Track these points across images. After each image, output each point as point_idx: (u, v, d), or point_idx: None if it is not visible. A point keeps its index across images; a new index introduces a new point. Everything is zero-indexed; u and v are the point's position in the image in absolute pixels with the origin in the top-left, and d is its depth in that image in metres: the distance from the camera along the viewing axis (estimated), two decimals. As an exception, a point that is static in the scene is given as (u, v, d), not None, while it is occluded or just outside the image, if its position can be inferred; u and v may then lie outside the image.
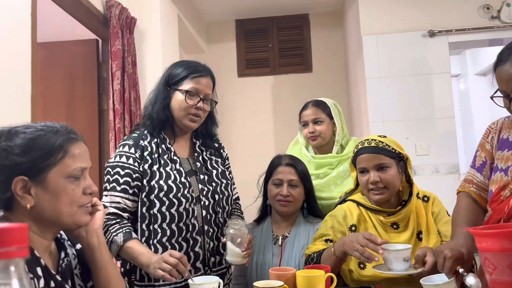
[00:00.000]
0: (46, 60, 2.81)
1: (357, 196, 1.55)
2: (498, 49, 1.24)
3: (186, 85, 1.48)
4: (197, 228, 1.44)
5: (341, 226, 1.50)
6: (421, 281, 1.14)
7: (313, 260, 1.44)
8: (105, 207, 1.30)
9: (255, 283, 1.21)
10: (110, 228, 1.35)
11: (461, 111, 4.56)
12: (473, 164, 1.37)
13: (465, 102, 4.58)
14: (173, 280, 1.22)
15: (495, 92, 1.20)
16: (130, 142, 1.46)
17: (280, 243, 1.62)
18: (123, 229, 1.34)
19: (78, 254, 1.07)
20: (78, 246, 1.07)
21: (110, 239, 1.33)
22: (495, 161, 1.27)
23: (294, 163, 1.69)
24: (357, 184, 1.57)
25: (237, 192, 1.70)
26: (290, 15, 4.25)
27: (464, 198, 1.37)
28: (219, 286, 1.22)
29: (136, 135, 1.50)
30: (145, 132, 1.50)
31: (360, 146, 1.50)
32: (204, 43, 4.28)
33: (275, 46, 4.30)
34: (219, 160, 1.63)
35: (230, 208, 1.59)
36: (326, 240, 1.49)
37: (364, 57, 3.18)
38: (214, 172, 1.56)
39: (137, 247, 1.31)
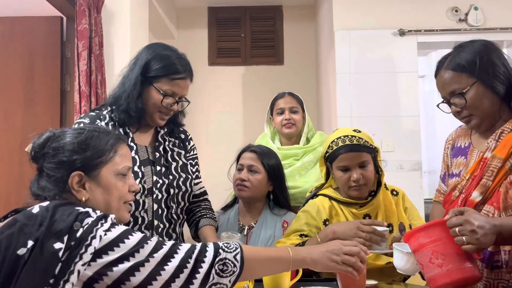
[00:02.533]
0: (3, 35, 2.66)
1: (328, 191, 1.56)
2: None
3: (164, 85, 1.39)
4: (146, 222, 1.38)
5: (315, 221, 1.50)
6: (394, 245, 1.20)
7: None
8: None
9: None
10: None
11: (425, 112, 4.69)
12: (440, 176, 1.44)
13: (429, 102, 4.71)
14: None
15: (442, 101, 1.27)
16: (86, 120, 1.38)
17: (245, 232, 1.62)
18: None
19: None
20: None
21: None
22: (450, 169, 1.34)
23: (259, 150, 1.69)
24: (326, 179, 1.57)
25: (202, 187, 1.62)
26: (264, 6, 4.22)
27: (436, 206, 1.45)
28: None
29: (94, 114, 1.41)
30: (104, 112, 1.42)
31: (340, 144, 1.46)
32: (174, 29, 4.18)
33: (247, 36, 4.25)
34: (182, 152, 1.54)
35: (187, 205, 1.51)
36: (301, 235, 1.49)
37: (336, 52, 3.19)
38: (174, 164, 1.48)
39: None
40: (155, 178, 1.41)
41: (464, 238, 0.97)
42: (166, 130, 1.52)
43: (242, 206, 1.69)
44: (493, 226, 0.99)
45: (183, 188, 1.47)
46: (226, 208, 1.75)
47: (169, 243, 0.94)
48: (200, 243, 0.97)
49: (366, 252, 1.08)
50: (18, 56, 2.65)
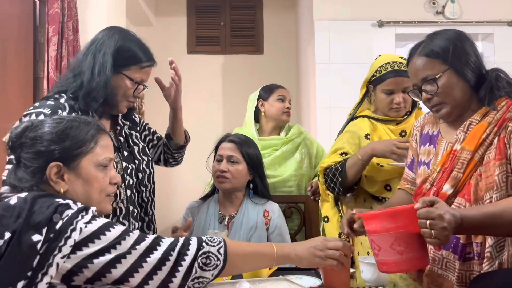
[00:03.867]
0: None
1: (366, 112, 1.75)
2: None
3: (134, 73, 1.36)
4: (123, 212, 1.36)
5: (356, 139, 1.68)
6: (360, 258, 1.23)
7: (337, 170, 1.60)
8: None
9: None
10: None
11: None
12: (406, 163, 1.44)
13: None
14: None
15: (413, 88, 1.28)
16: (47, 111, 1.27)
17: (226, 222, 1.61)
18: None
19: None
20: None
21: None
22: (419, 156, 1.35)
23: (238, 139, 1.67)
24: (361, 100, 1.78)
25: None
26: (244, -6, 4.18)
27: (398, 193, 1.45)
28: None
29: (53, 102, 1.31)
30: (62, 101, 1.32)
31: (389, 69, 1.64)
32: (153, 16, 4.10)
33: (227, 24, 4.21)
34: (138, 134, 1.54)
35: (153, 186, 1.51)
36: (342, 154, 1.66)
37: (315, 42, 3.20)
38: (136, 148, 1.48)
39: None
40: (124, 164, 1.39)
41: (433, 232, 0.98)
42: (124, 114, 1.48)
43: (222, 196, 1.68)
44: (460, 218, 1.01)
45: (148, 171, 1.48)
46: (205, 198, 1.73)
47: (151, 236, 0.93)
48: (184, 237, 0.96)
49: (350, 247, 1.09)
50: (-11, 41, 2.55)
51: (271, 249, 1.02)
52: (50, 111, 1.28)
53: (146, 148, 1.54)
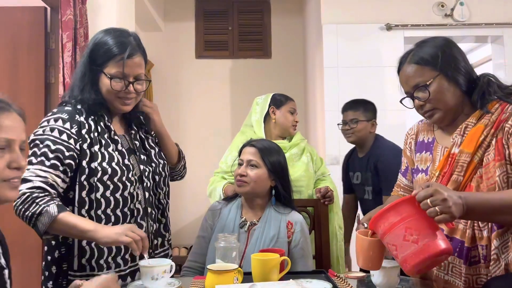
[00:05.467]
0: (-13, 26, 2.59)
1: None
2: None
3: (112, 69, 1.32)
4: (141, 213, 1.38)
5: None
6: None
7: None
8: (28, 180, 1.20)
9: (209, 266, 1.19)
10: (37, 200, 1.19)
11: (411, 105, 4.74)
12: (400, 170, 1.44)
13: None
14: (137, 251, 1.17)
15: (405, 96, 1.28)
16: (65, 116, 1.30)
17: (246, 228, 1.58)
18: (55, 201, 1.21)
19: None
20: None
21: (39, 211, 1.17)
22: (415, 164, 1.34)
23: (260, 145, 1.65)
24: None
25: None
26: (252, -1, 4.20)
27: (390, 198, 1.44)
28: (171, 269, 1.19)
29: (70, 109, 1.34)
30: (79, 106, 1.35)
31: None
32: (161, 21, 4.13)
33: (235, 29, 4.23)
34: (153, 138, 1.54)
35: (168, 189, 1.52)
36: None
37: (324, 46, 3.20)
38: (153, 152, 1.49)
39: (75, 216, 1.22)
40: (142, 167, 1.41)
41: (437, 208, 0.98)
42: (136, 118, 1.49)
43: (244, 201, 1.65)
44: (459, 197, 1.01)
45: (163, 173, 1.49)
46: (228, 199, 1.70)
47: None
48: None
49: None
50: (2, 48, 2.59)
51: None
52: (67, 116, 1.31)
53: (162, 152, 1.54)
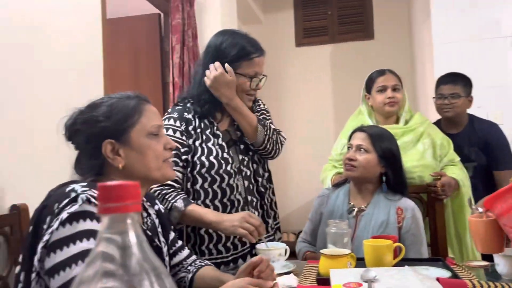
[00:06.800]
0: (112, 36, 2.93)
1: None
2: None
3: (247, 69, 1.43)
4: (241, 203, 1.44)
5: None
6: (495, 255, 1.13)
7: None
8: None
9: (322, 251, 1.22)
10: (166, 196, 1.32)
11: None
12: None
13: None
14: (253, 240, 1.24)
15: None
16: (175, 115, 1.44)
17: (354, 214, 1.59)
18: (180, 195, 1.34)
19: (158, 214, 1.14)
20: (157, 206, 1.15)
21: (169, 206, 1.31)
22: None
23: (370, 130, 1.63)
24: None
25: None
26: (350, -21, 4.07)
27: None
28: (285, 252, 1.25)
29: (180, 107, 1.47)
30: (189, 105, 1.47)
31: None
32: (261, 13, 4.23)
33: (334, 13, 4.15)
34: None
35: (269, 174, 1.57)
36: None
37: (432, 20, 2.98)
38: None
39: (200, 208, 1.34)
40: (241, 156, 1.48)
41: None
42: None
43: (353, 186, 1.65)
44: None
45: (261, 160, 1.54)
46: (337, 185, 1.73)
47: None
48: None
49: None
50: (125, 53, 2.92)
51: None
52: (177, 115, 1.44)
53: None
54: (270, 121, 1.58)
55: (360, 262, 1.25)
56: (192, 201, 1.36)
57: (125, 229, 0.36)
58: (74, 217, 0.84)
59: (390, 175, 1.57)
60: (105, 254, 0.35)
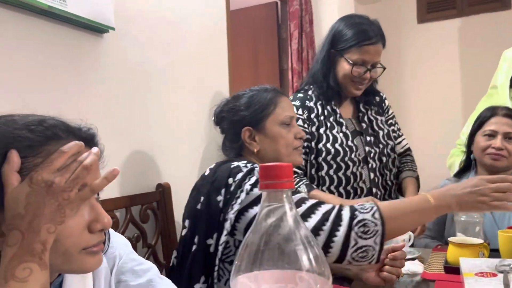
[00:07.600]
0: (233, 26, 3.10)
1: None
2: None
3: (354, 55, 1.41)
4: (365, 192, 1.44)
5: None
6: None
7: None
8: None
9: (450, 239, 1.17)
10: None
11: None
12: None
13: None
14: None
15: None
16: (297, 103, 1.48)
17: None
18: (303, 181, 1.40)
19: None
20: None
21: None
22: None
23: None
24: None
25: (406, 144, 1.64)
26: None
27: None
28: (409, 239, 1.23)
29: (302, 95, 1.51)
30: (310, 92, 1.50)
31: None
32: (379, -9, 4.04)
33: (463, -17, 3.77)
34: (383, 118, 1.57)
35: (396, 170, 1.54)
36: None
37: None
38: (381, 133, 1.52)
39: (323, 194, 1.37)
40: (367, 148, 1.47)
41: None
42: (364, 98, 1.55)
43: (481, 173, 1.52)
44: None
45: (392, 155, 1.52)
46: (459, 174, 1.62)
47: (309, 202, 0.93)
48: (338, 206, 0.93)
49: None
50: (245, 42, 3.07)
51: (427, 204, 0.91)
52: (299, 103, 1.49)
53: (391, 133, 1.57)
54: (397, 126, 1.62)
55: (494, 253, 1.16)
56: (315, 187, 1.40)
57: (282, 202, 0.44)
58: (256, 185, 0.97)
59: None
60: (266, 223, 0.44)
